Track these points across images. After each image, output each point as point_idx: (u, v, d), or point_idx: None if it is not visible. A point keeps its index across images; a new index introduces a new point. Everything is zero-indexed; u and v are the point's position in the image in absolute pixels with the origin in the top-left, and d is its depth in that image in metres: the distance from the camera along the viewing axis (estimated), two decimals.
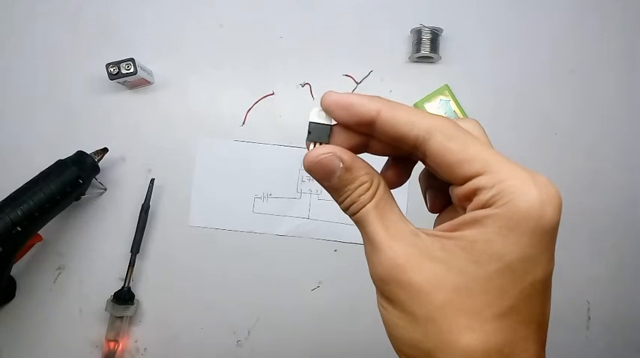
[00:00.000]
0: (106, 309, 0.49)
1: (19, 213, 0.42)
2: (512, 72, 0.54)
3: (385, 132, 0.20)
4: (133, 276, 0.50)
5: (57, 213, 0.46)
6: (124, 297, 0.49)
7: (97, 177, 0.50)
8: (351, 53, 0.54)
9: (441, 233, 0.19)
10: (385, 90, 0.54)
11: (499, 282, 0.18)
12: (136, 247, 0.50)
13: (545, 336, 0.19)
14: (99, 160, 0.49)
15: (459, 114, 0.53)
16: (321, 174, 0.21)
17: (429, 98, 0.53)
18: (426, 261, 0.18)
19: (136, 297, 0.51)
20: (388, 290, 0.20)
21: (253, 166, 0.53)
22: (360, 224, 0.21)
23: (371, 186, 0.21)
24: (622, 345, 0.53)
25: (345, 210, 0.22)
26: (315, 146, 0.22)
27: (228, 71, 0.54)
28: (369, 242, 0.21)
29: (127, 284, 0.50)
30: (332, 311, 0.52)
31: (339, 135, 0.22)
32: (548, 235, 0.19)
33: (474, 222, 0.18)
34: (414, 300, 0.18)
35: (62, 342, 0.51)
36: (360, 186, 0.21)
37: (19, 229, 0.42)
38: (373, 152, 0.22)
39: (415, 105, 0.54)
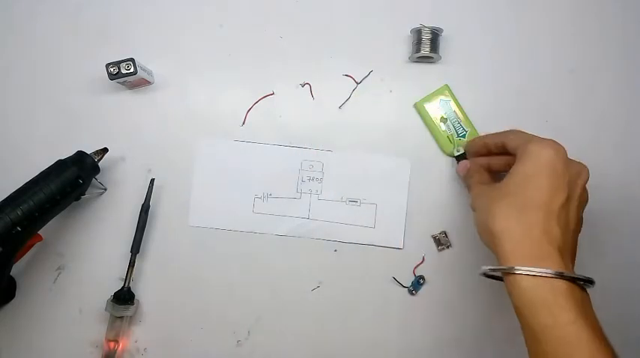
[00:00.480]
0: (106, 309, 0.49)
1: (19, 213, 0.42)
2: (513, 72, 0.54)
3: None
4: (133, 276, 0.50)
5: (57, 213, 0.46)
6: (124, 297, 0.49)
7: (97, 177, 0.50)
8: (351, 53, 0.54)
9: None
10: (385, 90, 0.54)
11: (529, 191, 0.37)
12: (136, 247, 0.50)
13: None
14: (99, 160, 0.49)
15: (459, 114, 0.53)
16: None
17: (429, 98, 0.53)
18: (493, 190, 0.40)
19: (136, 297, 0.51)
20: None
21: (253, 166, 0.53)
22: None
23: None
24: (622, 345, 0.53)
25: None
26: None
27: (228, 71, 0.54)
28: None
29: (127, 284, 0.50)
30: (332, 311, 0.52)
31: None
32: (552, 170, 0.37)
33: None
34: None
35: (62, 342, 0.51)
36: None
37: (19, 229, 0.42)
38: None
39: (415, 106, 0.54)
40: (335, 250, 0.53)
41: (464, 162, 0.49)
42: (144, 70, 0.51)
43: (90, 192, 0.50)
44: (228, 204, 0.53)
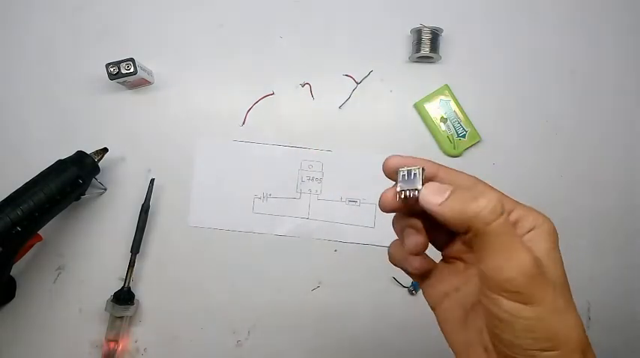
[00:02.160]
0: (106, 309, 0.49)
1: (19, 213, 0.42)
2: (513, 72, 0.54)
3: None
4: (132, 276, 0.50)
5: (57, 213, 0.46)
6: (124, 297, 0.49)
7: (97, 177, 0.50)
8: (351, 53, 0.54)
9: None
10: (385, 90, 0.54)
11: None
12: (135, 247, 0.50)
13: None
14: (99, 160, 0.49)
15: (459, 115, 0.53)
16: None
17: (429, 98, 0.53)
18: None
19: (136, 297, 0.51)
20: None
21: (253, 166, 0.53)
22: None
23: None
24: (622, 345, 0.53)
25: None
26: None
27: (229, 71, 0.54)
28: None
29: (126, 284, 0.50)
30: (332, 311, 0.52)
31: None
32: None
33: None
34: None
35: (62, 342, 0.51)
36: None
37: (19, 229, 0.42)
38: None
39: (415, 106, 0.54)
40: (335, 250, 0.53)
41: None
42: (144, 70, 0.51)
43: (90, 192, 0.50)
44: (228, 204, 0.53)
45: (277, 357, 0.52)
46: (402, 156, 0.26)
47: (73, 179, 0.46)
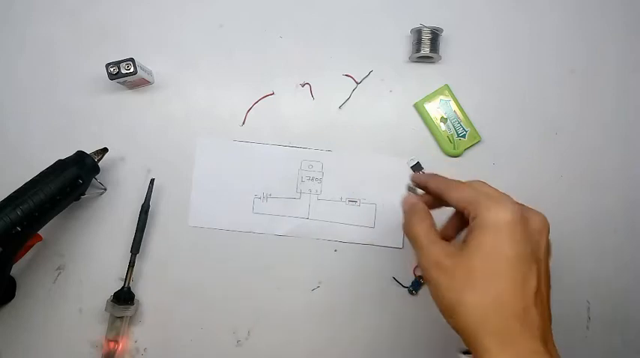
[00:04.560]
0: (106, 309, 0.49)
1: (18, 213, 0.42)
2: (513, 71, 0.54)
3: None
4: (132, 276, 0.50)
5: (57, 213, 0.46)
6: (124, 297, 0.49)
7: (97, 177, 0.50)
8: (351, 53, 0.54)
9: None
10: (385, 90, 0.54)
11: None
12: (135, 247, 0.50)
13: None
14: (99, 160, 0.49)
15: (459, 115, 0.53)
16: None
17: (429, 98, 0.53)
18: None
19: (135, 297, 0.51)
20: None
21: (253, 166, 0.53)
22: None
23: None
24: (622, 345, 0.53)
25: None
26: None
27: (228, 71, 0.54)
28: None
29: (126, 284, 0.50)
30: (332, 311, 0.52)
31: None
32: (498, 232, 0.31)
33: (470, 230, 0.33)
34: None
35: (62, 342, 0.51)
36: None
37: (19, 229, 0.42)
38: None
39: (415, 106, 0.54)
40: (335, 250, 0.53)
41: (408, 199, 0.39)
42: (144, 69, 0.51)
43: (90, 192, 0.50)
44: (228, 204, 0.53)
45: (277, 357, 0.52)
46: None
47: (73, 179, 0.46)
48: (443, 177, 0.38)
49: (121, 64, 0.48)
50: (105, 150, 0.50)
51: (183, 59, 0.54)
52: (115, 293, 0.50)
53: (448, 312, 0.32)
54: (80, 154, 0.48)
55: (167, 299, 0.52)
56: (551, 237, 0.55)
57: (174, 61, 0.54)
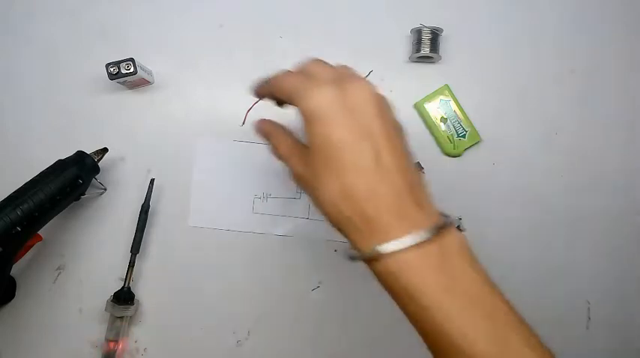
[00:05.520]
0: (106, 309, 0.49)
1: (18, 213, 0.42)
2: (513, 71, 0.54)
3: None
4: (132, 276, 0.50)
5: (57, 213, 0.46)
6: (124, 297, 0.49)
7: (97, 177, 0.50)
8: (351, 53, 0.54)
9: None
10: (385, 89, 0.54)
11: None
12: (135, 247, 0.50)
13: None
14: (99, 160, 0.49)
15: (459, 115, 0.53)
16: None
17: (429, 98, 0.53)
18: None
19: (136, 297, 0.51)
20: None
21: (253, 166, 0.53)
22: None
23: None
24: (622, 345, 0.53)
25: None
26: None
27: (229, 71, 0.54)
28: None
29: (126, 284, 0.50)
30: (332, 311, 0.52)
31: None
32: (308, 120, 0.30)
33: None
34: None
35: (62, 342, 0.51)
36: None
37: (19, 229, 0.42)
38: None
39: (415, 105, 0.54)
40: (335, 250, 0.53)
41: (260, 126, 0.39)
42: (144, 70, 0.51)
43: (90, 192, 0.50)
44: (228, 204, 0.53)
45: (277, 357, 0.52)
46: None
47: (72, 179, 0.46)
48: (274, 76, 0.35)
49: (121, 64, 0.48)
50: (105, 150, 0.50)
51: (183, 59, 0.54)
52: (115, 293, 0.50)
53: (328, 217, 0.31)
54: (80, 154, 0.48)
55: (167, 299, 0.52)
56: (551, 236, 0.55)
57: (174, 61, 0.54)
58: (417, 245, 0.27)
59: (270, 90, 0.36)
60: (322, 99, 0.29)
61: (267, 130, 0.37)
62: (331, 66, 0.34)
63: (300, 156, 0.33)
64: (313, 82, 0.31)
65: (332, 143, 0.29)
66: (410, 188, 0.29)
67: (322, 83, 0.30)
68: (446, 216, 0.30)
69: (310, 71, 0.33)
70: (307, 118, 0.30)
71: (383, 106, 0.31)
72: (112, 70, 0.48)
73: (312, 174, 0.31)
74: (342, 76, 0.31)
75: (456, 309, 0.27)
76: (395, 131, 0.31)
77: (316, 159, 0.30)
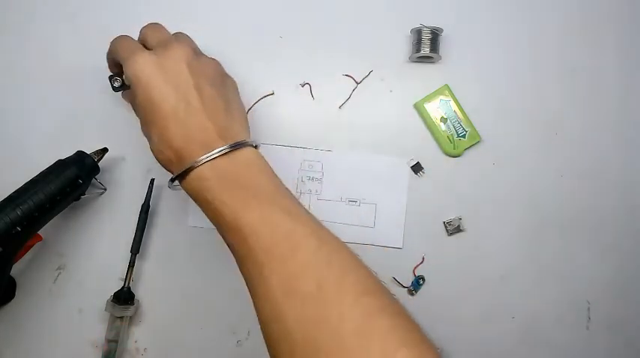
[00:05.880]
0: (106, 309, 0.49)
1: (18, 213, 0.42)
2: (513, 71, 0.54)
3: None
4: (133, 276, 0.50)
5: (57, 213, 0.46)
6: (124, 297, 0.49)
7: (97, 177, 0.50)
8: (351, 53, 0.54)
9: None
10: (385, 89, 0.54)
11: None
12: (135, 247, 0.50)
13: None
14: (99, 160, 0.49)
15: (459, 115, 0.53)
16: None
17: (429, 98, 0.53)
18: None
19: (136, 297, 0.51)
20: None
21: None
22: None
23: None
24: (622, 345, 0.53)
25: None
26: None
27: (228, 71, 0.54)
28: None
29: (126, 284, 0.50)
30: None
31: None
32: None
33: None
34: None
35: (62, 342, 0.51)
36: None
37: (19, 229, 0.42)
38: None
39: (415, 106, 0.54)
40: None
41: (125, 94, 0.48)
42: None
43: (90, 192, 0.50)
44: None
45: None
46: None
47: (72, 179, 0.46)
48: (112, 41, 0.42)
49: (124, 77, 0.44)
50: (105, 150, 0.50)
51: None
52: (115, 293, 0.50)
53: (158, 160, 0.39)
54: (80, 154, 0.48)
55: (167, 299, 0.52)
56: (551, 236, 0.55)
57: None
58: (210, 161, 0.35)
59: (111, 57, 0.42)
60: (142, 65, 0.36)
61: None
62: (162, 32, 0.41)
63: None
64: (137, 50, 0.37)
65: (150, 102, 0.36)
66: (215, 125, 0.36)
67: (144, 50, 0.37)
68: (247, 142, 0.37)
69: (142, 36, 0.41)
70: (131, 82, 0.37)
71: (194, 64, 0.37)
72: (115, 84, 0.44)
73: (144, 130, 0.39)
74: (166, 42, 0.38)
75: (228, 198, 0.34)
76: (206, 82, 0.37)
77: (142, 117, 0.38)
